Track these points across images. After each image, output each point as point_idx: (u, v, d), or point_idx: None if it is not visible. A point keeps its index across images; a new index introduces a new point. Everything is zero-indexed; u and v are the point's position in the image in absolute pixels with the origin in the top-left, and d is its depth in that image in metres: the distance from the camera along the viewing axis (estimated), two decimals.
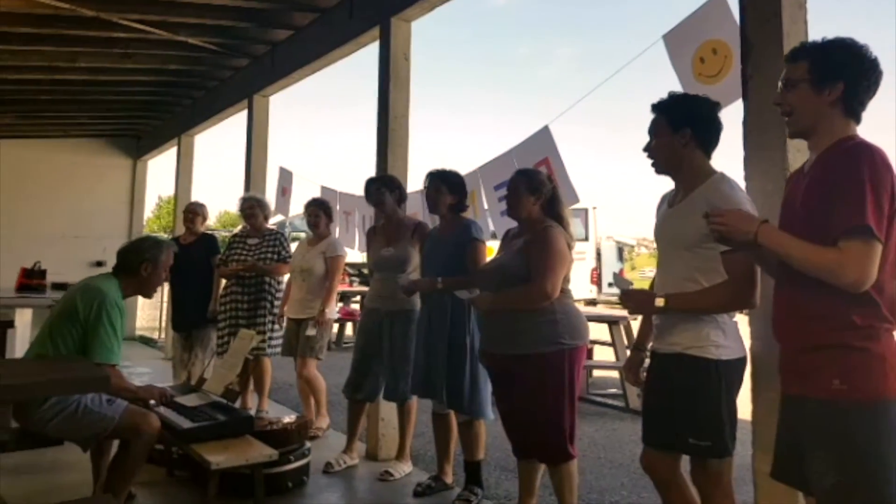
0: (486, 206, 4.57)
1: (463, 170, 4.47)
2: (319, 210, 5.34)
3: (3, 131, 10.17)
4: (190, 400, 3.76)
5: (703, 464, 2.41)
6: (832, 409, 1.86)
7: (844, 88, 1.94)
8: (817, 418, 1.90)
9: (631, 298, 2.50)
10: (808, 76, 1.98)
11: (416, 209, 4.94)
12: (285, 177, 7.22)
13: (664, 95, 2.52)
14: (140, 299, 11.95)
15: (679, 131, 2.44)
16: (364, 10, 5.43)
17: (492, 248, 3.73)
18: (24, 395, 2.89)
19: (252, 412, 4.92)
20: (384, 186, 4.39)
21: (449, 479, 4.02)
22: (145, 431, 3.14)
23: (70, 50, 6.79)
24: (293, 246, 5.84)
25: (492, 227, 4.50)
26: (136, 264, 3.40)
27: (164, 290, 8.29)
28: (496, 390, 3.39)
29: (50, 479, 3.93)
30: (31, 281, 7.02)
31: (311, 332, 5.07)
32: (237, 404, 4.04)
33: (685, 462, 2.45)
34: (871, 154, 1.85)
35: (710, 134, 2.48)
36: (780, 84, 2.08)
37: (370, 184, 4.45)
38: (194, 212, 6.00)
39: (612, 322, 7.23)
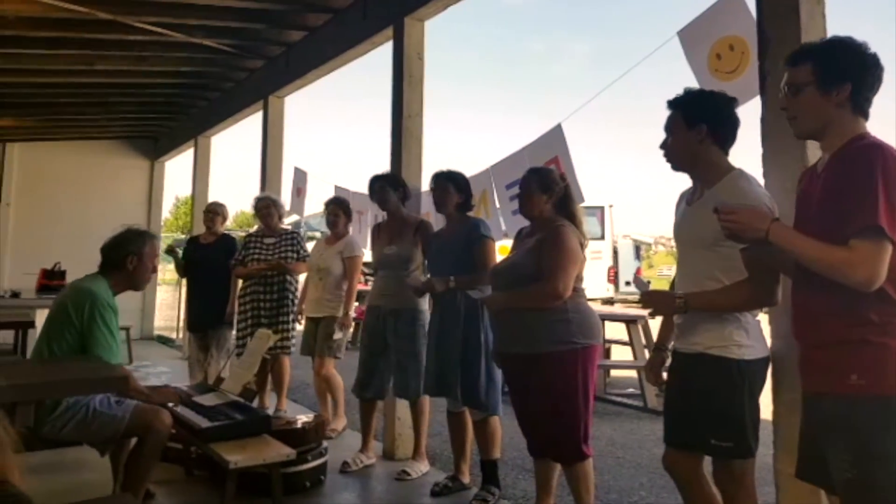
0: (497, 205, 4.56)
1: (475, 168, 4.47)
2: (339, 209, 5.35)
3: (22, 134, 10.29)
4: (208, 399, 3.78)
5: (726, 464, 2.39)
6: (850, 404, 1.86)
7: (851, 88, 1.94)
8: (835, 413, 1.90)
9: (650, 299, 2.49)
10: (813, 79, 1.97)
11: (428, 209, 4.95)
12: (300, 177, 7.25)
13: (680, 91, 2.51)
14: (157, 299, 12.08)
15: (695, 128, 2.42)
16: (378, 10, 5.44)
17: (505, 247, 3.72)
18: (46, 394, 2.92)
19: (270, 412, 4.94)
20: (388, 184, 4.42)
21: (466, 479, 4.02)
22: (157, 428, 3.14)
23: (88, 53, 6.85)
24: (309, 245, 5.87)
25: (503, 227, 4.49)
26: (121, 258, 3.35)
27: (182, 288, 8.35)
28: (510, 390, 3.39)
29: (71, 478, 3.97)
30: (52, 282, 7.09)
31: (338, 335, 5.10)
32: (255, 403, 4.06)
33: (707, 462, 2.43)
34: (884, 154, 1.84)
35: (726, 130, 2.46)
36: (783, 88, 2.07)
37: (374, 181, 4.48)
38: (214, 211, 6.02)
39: (629, 321, 7.20)
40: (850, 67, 1.95)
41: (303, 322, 5.44)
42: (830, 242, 1.85)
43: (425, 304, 4.29)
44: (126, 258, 3.35)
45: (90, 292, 3.22)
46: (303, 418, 4.24)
